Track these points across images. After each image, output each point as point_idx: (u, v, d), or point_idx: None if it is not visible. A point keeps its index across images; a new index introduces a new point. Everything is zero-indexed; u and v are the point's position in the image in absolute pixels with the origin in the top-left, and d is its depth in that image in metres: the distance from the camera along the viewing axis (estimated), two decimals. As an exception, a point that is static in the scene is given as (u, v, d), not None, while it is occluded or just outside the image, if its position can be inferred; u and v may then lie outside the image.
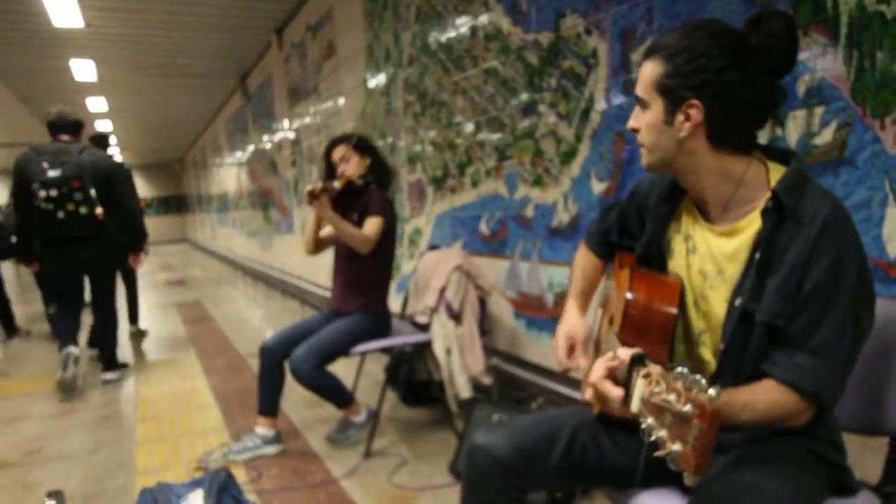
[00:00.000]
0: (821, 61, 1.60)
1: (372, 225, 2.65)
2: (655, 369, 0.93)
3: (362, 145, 2.79)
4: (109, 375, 4.06)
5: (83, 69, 7.92)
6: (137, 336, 5.58)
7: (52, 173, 3.49)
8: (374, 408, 2.81)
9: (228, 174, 12.09)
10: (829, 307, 1.04)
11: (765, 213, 1.08)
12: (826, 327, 1.04)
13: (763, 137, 1.75)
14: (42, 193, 3.48)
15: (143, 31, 6.56)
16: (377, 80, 4.41)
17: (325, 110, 5.66)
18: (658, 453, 0.85)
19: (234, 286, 9.29)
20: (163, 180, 23.53)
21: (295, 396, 3.33)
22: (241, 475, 2.50)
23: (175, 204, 24.13)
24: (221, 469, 2.09)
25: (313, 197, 2.52)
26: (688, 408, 0.80)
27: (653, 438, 0.86)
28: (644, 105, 1.14)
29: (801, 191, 1.06)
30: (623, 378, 1.01)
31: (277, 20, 6.56)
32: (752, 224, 1.11)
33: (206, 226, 17.47)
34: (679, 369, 0.86)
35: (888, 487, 1.21)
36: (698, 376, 0.83)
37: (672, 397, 0.83)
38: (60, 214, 3.53)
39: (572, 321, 1.39)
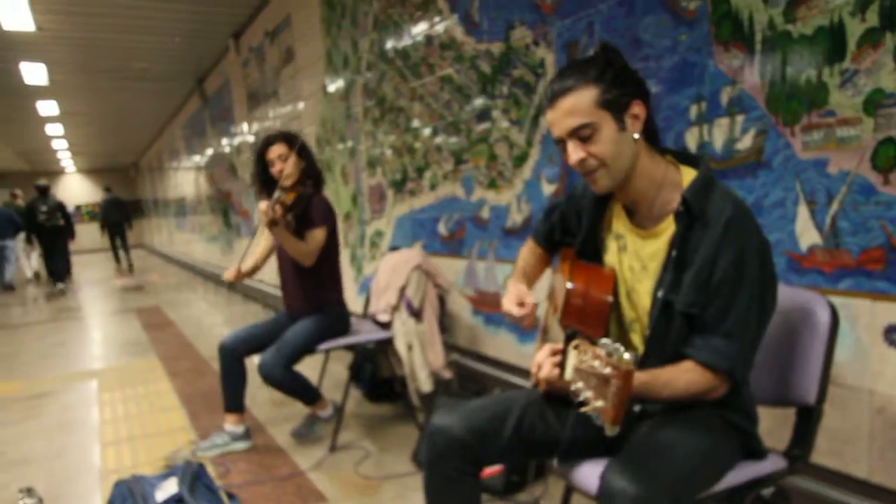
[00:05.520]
0: (740, 74, 1.78)
1: (316, 238, 2.69)
2: (584, 341, 1.08)
3: (303, 149, 2.78)
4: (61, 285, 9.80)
5: (34, 72, 7.77)
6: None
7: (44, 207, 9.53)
8: (339, 403, 2.91)
9: (186, 178, 11.96)
10: (735, 296, 1.20)
11: (677, 216, 1.24)
12: (735, 313, 1.20)
13: (692, 142, 1.93)
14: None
15: (97, 35, 6.50)
16: (336, 86, 4.50)
17: (285, 114, 5.72)
18: (584, 409, 0.99)
19: (194, 291, 9.21)
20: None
21: (260, 395, 3.40)
22: (208, 472, 2.57)
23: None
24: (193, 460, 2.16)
25: (274, 223, 2.48)
26: (608, 370, 0.95)
27: (581, 398, 1.00)
28: (590, 132, 1.21)
29: (708, 194, 1.22)
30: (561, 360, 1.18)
31: (235, 25, 6.57)
32: (669, 226, 1.27)
33: (162, 230, 17.18)
34: (604, 340, 1.01)
35: (795, 451, 1.38)
36: (619, 345, 0.98)
37: (597, 363, 0.99)
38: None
39: (513, 288, 1.46)
